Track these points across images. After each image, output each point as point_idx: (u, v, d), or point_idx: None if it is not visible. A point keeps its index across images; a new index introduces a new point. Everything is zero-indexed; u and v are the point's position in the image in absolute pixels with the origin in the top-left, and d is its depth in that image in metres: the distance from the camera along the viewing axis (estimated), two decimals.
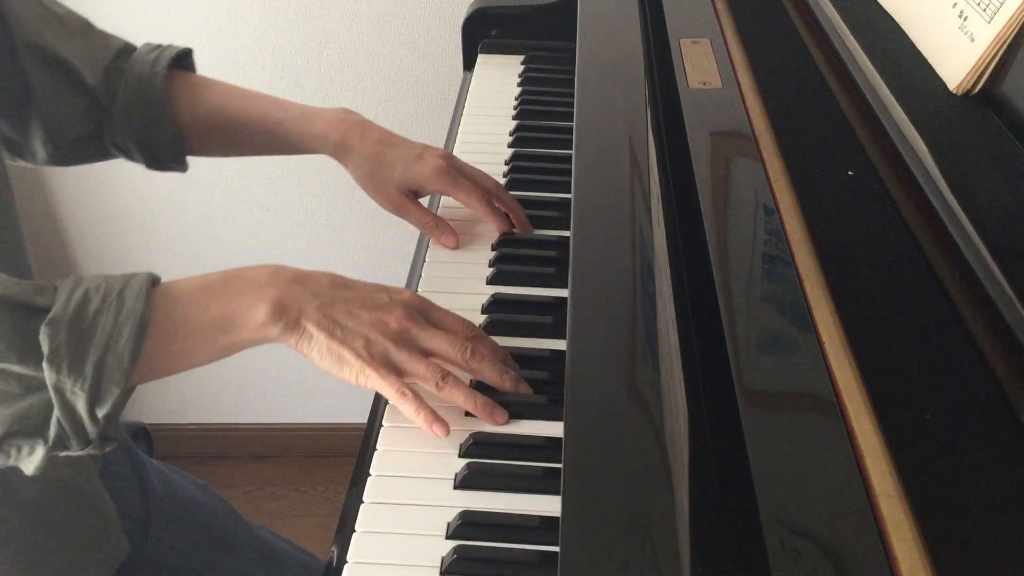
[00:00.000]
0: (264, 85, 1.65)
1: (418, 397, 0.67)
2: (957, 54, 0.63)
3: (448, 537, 0.61)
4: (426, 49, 1.63)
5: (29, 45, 0.81)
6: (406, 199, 0.89)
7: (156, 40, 0.92)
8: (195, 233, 1.79)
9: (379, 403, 0.73)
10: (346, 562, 0.60)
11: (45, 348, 0.58)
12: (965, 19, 0.63)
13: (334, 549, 0.62)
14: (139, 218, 1.77)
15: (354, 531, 0.62)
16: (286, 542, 1.04)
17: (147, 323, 0.62)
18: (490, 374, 0.69)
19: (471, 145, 1.07)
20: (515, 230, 0.91)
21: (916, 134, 0.61)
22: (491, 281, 0.85)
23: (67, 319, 0.59)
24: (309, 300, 0.66)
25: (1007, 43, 0.59)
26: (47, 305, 0.60)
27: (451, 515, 0.62)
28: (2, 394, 0.59)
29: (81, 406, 0.60)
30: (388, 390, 0.67)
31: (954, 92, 0.63)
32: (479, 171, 0.92)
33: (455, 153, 1.05)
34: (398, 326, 0.68)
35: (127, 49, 0.90)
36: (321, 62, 1.64)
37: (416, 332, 0.68)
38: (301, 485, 1.96)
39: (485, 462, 0.66)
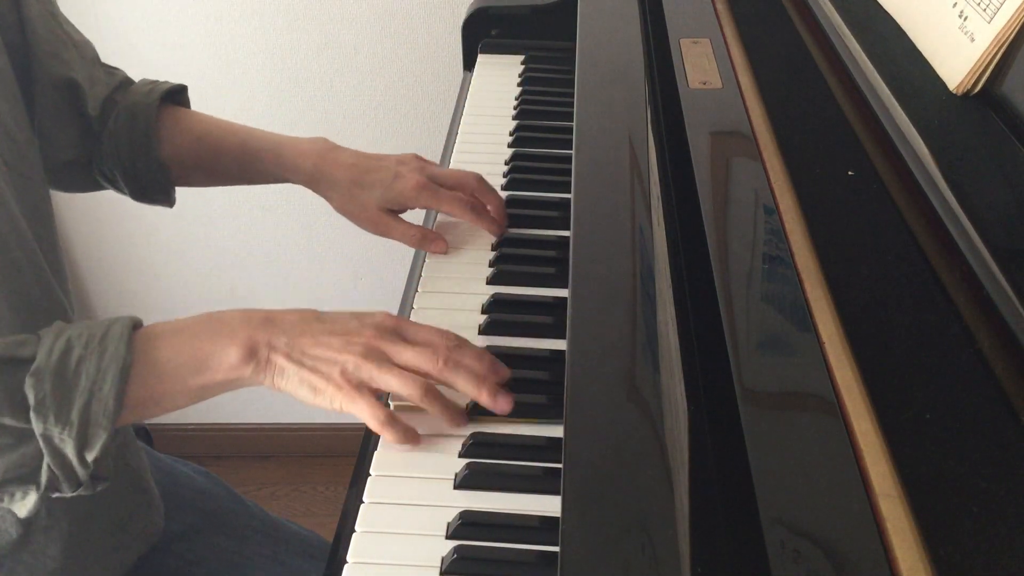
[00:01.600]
0: (264, 85, 1.65)
1: (392, 417, 0.66)
2: (957, 54, 0.63)
3: (448, 537, 0.61)
4: (426, 49, 1.63)
5: (45, 65, 0.82)
6: (388, 218, 0.89)
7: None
8: (195, 233, 1.79)
9: None
10: (346, 562, 0.60)
11: (31, 399, 0.60)
12: (965, 19, 0.63)
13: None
14: (139, 218, 1.77)
15: (354, 531, 0.62)
16: (287, 522, 1.05)
17: (129, 367, 0.63)
18: (464, 385, 0.68)
19: (471, 145, 1.07)
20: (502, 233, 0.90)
21: (916, 134, 0.61)
22: (491, 281, 0.85)
23: (51, 369, 0.61)
24: (278, 336, 0.67)
25: (1007, 43, 0.59)
26: (31, 356, 0.62)
27: (451, 515, 0.62)
28: None
29: (70, 452, 0.62)
30: (363, 414, 0.67)
31: (954, 92, 0.63)
32: (456, 173, 0.92)
33: (455, 154, 1.05)
34: (367, 346, 0.68)
35: (127, 83, 0.92)
36: (321, 62, 1.64)
37: (387, 349, 0.68)
38: (301, 485, 1.96)
39: (485, 462, 0.66)
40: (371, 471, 0.66)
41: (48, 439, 0.61)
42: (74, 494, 0.64)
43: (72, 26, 0.88)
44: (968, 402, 0.49)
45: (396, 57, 1.64)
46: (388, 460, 0.68)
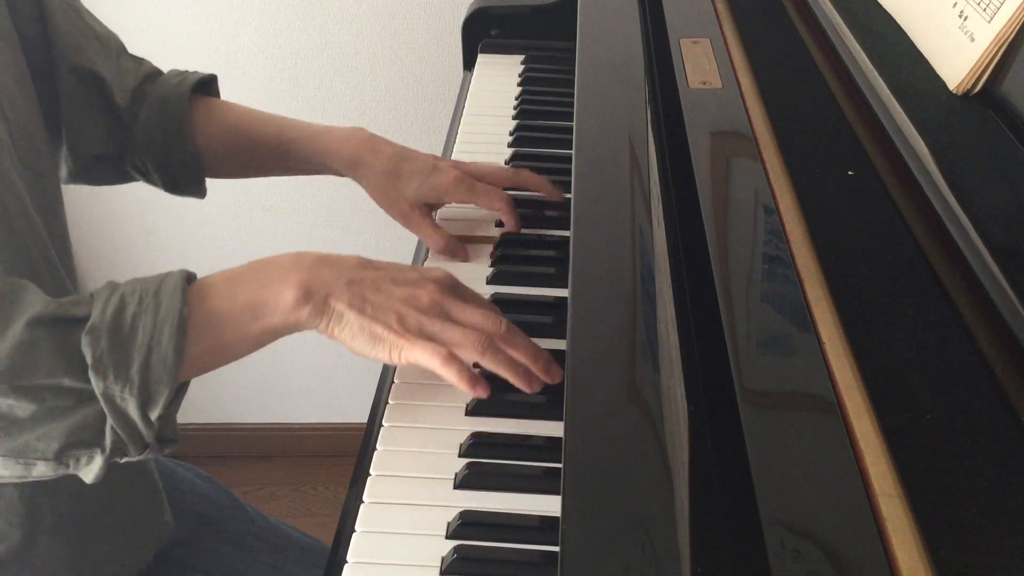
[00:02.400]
0: (264, 85, 1.65)
1: (462, 363, 0.65)
2: (957, 54, 0.63)
3: (448, 537, 0.61)
4: (426, 49, 1.63)
5: (67, 59, 0.82)
6: (420, 214, 0.89)
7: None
8: (195, 233, 1.79)
9: (379, 403, 0.73)
10: (346, 562, 0.60)
11: (88, 357, 0.59)
12: (965, 19, 0.63)
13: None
14: (139, 218, 1.77)
15: (354, 531, 0.62)
16: (288, 527, 1.05)
17: (186, 320, 0.62)
18: (524, 352, 0.67)
19: (471, 145, 1.07)
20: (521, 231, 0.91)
21: (916, 134, 0.61)
22: (491, 281, 0.85)
23: (106, 326, 0.60)
24: (336, 280, 0.66)
25: (1007, 43, 0.59)
26: (85, 315, 0.60)
27: (451, 515, 0.62)
28: (56, 408, 0.59)
29: (133, 411, 0.60)
30: (429, 357, 0.65)
31: (954, 92, 0.63)
32: (491, 167, 0.92)
33: (455, 153, 1.05)
34: (430, 299, 0.67)
35: (155, 73, 0.92)
36: (321, 62, 1.64)
37: (449, 305, 0.67)
38: (301, 485, 1.96)
39: (485, 462, 0.66)
40: (371, 471, 0.66)
41: (109, 398, 0.59)
42: (141, 457, 0.63)
43: (95, 19, 0.88)
44: (968, 402, 0.49)
45: (396, 57, 1.64)
46: (388, 460, 0.68)
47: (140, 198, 1.74)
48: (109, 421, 0.60)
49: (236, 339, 0.65)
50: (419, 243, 0.93)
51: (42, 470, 0.61)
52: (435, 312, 0.66)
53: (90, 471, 0.62)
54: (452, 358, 0.65)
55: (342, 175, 0.93)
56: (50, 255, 0.74)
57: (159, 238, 1.80)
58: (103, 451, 0.61)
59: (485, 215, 0.93)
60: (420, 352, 0.65)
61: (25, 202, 0.71)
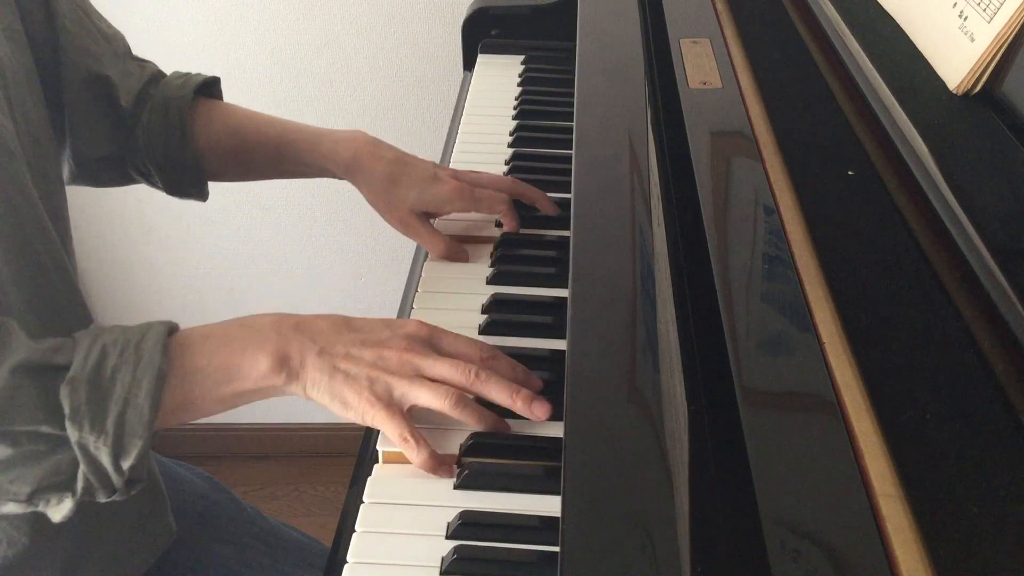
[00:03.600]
0: (264, 86, 1.65)
1: (420, 441, 0.65)
2: (957, 54, 0.63)
3: (448, 537, 0.61)
4: (426, 49, 1.63)
5: (74, 61, 0.82)
6: (418, 221, 0.89)
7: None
8: (195, 233, 1.79)
9: None
10: (346, 562, 0.60)
11: (66, 407, 0.60)
12: (965, 19, 0.63)
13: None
14: (139, 218, 1.77)
15: (354, 531, 0.62)
16: (288, 528, 1.04)
17: (165, 375, 0.63)
18: (498, 395, 0.67)
19: (471, 145, 1.07)
20: (521, 230, 0.90)
21: (916, 134, 0.61)
22: (491, 281, 0.85)
23: (86, 377, 0.61)
24: (309, 347, 0.67)
25: (1007, 43, 0.59)
26: (66, 363, 0.61)
27: (451, 515, 0.62)
28: (32, 452, 0.61)
29: (105, 460, 0.61)
30: (392, 432, 0.66)
31: (954, 92, 0.63)
32: (491, 176, 0.92)
33: (455, 153, 1.05)
34: (399, 359, 0.67)
35: (159, 75, 0.92)
36: (321, 63, 1.64)
37: (419, 362, 0.67)
38: (301, 485, 1.96)
39: (485, 462, 0.66)
40: (371, 471, 0.66)
41: (84, 447, 0.61)
42: (109, 499, 0.64)
43: (103, 19, 0.88)
44: (968, 402, 0.49)
45: (396, 57, 1.64)
46: (388, 460, 0.67)
47: (140, 198, 1.74)
48: (81, 468, 0.62)
49: (208, 397, 0.66)
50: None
51: (11, 508, 0.63)
52: (404, 371, 0.67)
53: (59, 511, 0.64)
54: (408, 441, 0.65)
55: (341, 179, 0.92)
56: (60, 258, 0.74)
57: (159, 238, 1.80)
58: (73, 494, 0.63)
59: (485, 216, 0.93)
60: (383, 424, 0.66)
61: (38, 207, 0.71)
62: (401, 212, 0.89)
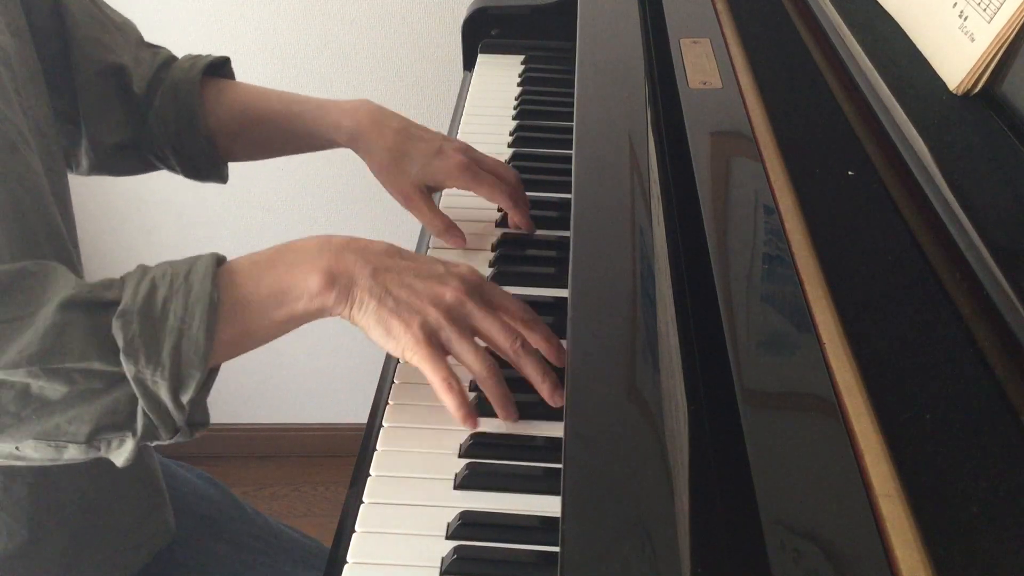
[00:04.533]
0: (264, 85, 1.65)
1: (463, 391, 0.65)
2: (957, 54, 0.63)
3: (448, 537, 0.61)
4: (426, 49, 1.63)
5: (86, 52, 0.82)
6: (420, 196, 0.88)
7: (155, 40, 0.93)
8: (195, 233, 1.79)
9: (379, 403, 0.73)
10: (346, 562, 0.60)
11: (120, 340, 0.59)
12: (965, 19, 0.63)
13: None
14: (139, 218, 1.77)
15: (354, 531, 0.62)
16: (288, 528, 1.05)
17: (217, 304, 0.61)
18: (532, 371, 0.67)
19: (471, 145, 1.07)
20: (521, 230, 0.90)
21: (916, 134, 0.61)
22: (491, 281, 0.85)
23: (137, 309, 0.60)
24: (362, 267, 0.65)
25: (1007, 43, 0.59)
26: (116, 299, 0.60)
27: (451, 515, 0.62)
28: (88, 391, 0.59)
29: (164, 394, 0.60)
30: (434, 376, 0.65)
31: (954, 92, 0.63)
32: (498, 162, 0.91)
33: None
34: (453, 299, 0.66)
35: (170, 60, 0.91)
36: (321, 62, 1.64)
37: (470, 308, 0.66)
38: (301, 485, 1.96)
39: (485, 462, 0.66)
40: (371, 471, 0.67)
41: (141, 381, 0.59)
42: (172, 440, 0.63)
43: (112, 8, 0.88)
44: (968, 402, 0.49)
45: (396, 57, 1.64)
46: (388, 460, 0.68)
47: (140, 198, 1.74)
48: (140, 404, 0.60)
49: (262, 324, 0.65)
50: (419, 244, 0.92)
51: (73, 453, 0.61)
52: (454, 315, 0.66)
53: (121, 454, 0.62)
54: (451, 386, 0.65)
55: (346, 147, 0.91)
56: (67, 254, 0.74)
57: (159, 238, 1.80)
58: (134, 434, 0.61)
59: (485, 216, 0.93)
60: (425, 365, 0.65)
61: (47, 203, 0.71)
62: (403, 185, 0.87)
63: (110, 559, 0.83)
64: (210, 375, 0.62)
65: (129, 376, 0.59)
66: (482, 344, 0.68)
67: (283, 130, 0.92)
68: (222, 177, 0.95)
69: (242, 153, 0.96)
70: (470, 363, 0.66)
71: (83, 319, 0.59)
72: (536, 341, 0.69)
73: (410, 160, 0.87)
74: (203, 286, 0.61)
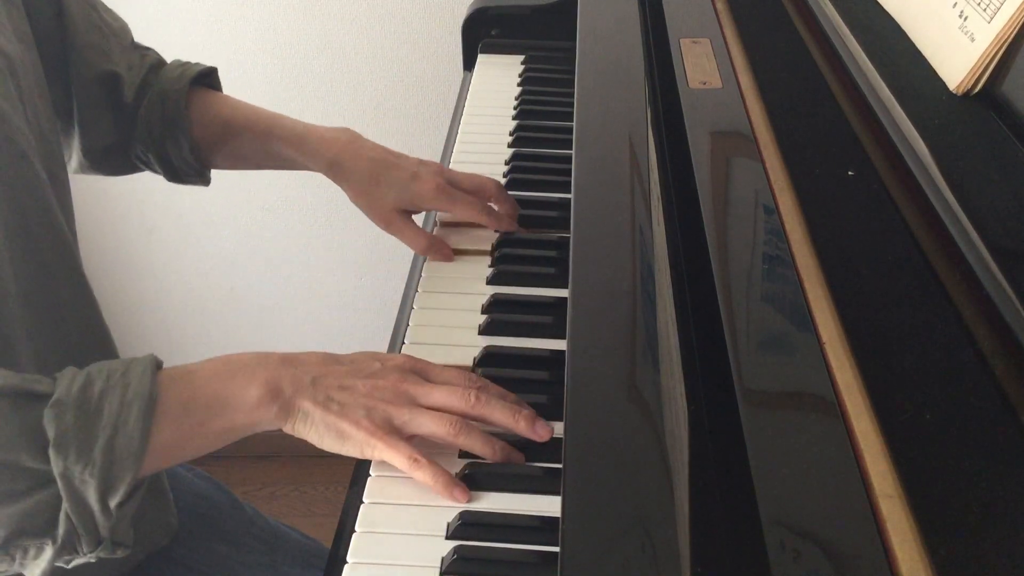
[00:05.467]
0: (264, 85, 1.65)
1: (432, 463, 0.64)
2: (957, 54, 0.63)
3: (448, 537, 0.61)
4: (426, 49, 1.63)
5: (85, 58, 0.83)
6: (400, 218, 0.89)
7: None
8: (195, 233, 1.79)
9: None
10: (346, 562, 0.60)
11: (51, 432, 0.56)
12: (965, 19, 0.63)
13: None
14: (139, 218, 1.77)
15: (354, 531, 0.62)
16: (288, 528, 1.05)
17: (155, 402, 0.60)
18: (501, 416, 0.65)
19: (471, 145, 1.07)
20: (515, 232, 0.90)
21: (916, 134, 0.61)
22: (491, 281, 0.85)
23: (72, 400, 0.58)
24: (300, 378, 0.64)
25: (1007, 43, 0.59)
26: (48, 391, 0.58)
27: (451, 515, 0.62)
28: (8, 492, 0.57)
29: (91, 495, 0.57)
30: (398, 459, 0.64)
31: (954, 92, 0.63)
32: (474, 177, 0.91)
33: (455, 154, 1.05)
34: (395, 389, 0.65)
35: (159, 64, 0.92)
36: (321, 62, 1.64)
37: (415, 391, 0.66)
38: (301, 485, 1.96)
39: (485, 462, 0.66)
40: (371, 471, 0.66)
41: (68, 479, 0.56)
42: (91, 554, 0.60)
43: (109, 11, 0.89)
44: (968, 402, 0.49)
45: (396, 57, 1.64)
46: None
47: (140, 198, 1.74)
48: (64, 507, 0.57)
49: (198, 432, 0.63)
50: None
51: None
52: (401, 401, 0.65)
53: (37, 565, 0.59)
54: (419, 462, 0.63)
55: (324, 174, 0.93)
56: (71, 259, 0.74)
57: (159, 238, 1.80)
58: (54, 542, 0.58)
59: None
60: (389, 451, 0.64)
61: (51, 206, 0.71)
62: (383, 210, 0.89)
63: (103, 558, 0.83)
64: (135, 491, 0.60)
65: (56, 472, 0.56)
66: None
67: (262, 149, 0.93)
68: (204, 181, 0.96)
69: (223, 164, 0.97)
70: (434, 430, 0.64)
71: (13, 408, 0.56)
72: (497, 398, 0.67)
73: (387, 186, 0.89)
74: (141, 383, 0.60)
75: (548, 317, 0.79)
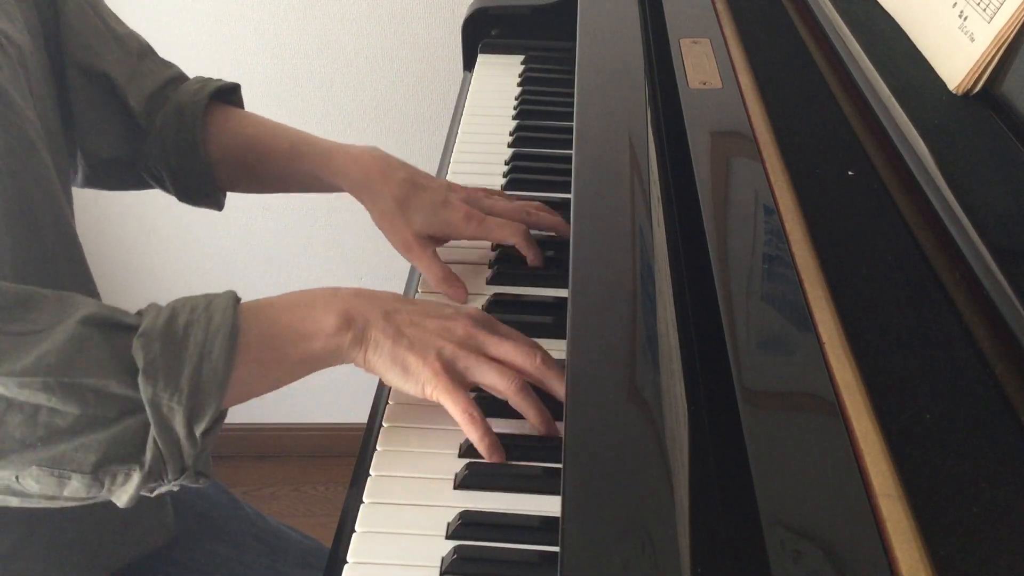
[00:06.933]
0: (264, 85, 1.65)
1: (484, 421, 0.65)
2: (957, 54, 0.63)
3: (448, 537, 0.61)
4: (426, 49, 1.63)
5: (75, 56, 0.82)
6: (420, 245, 0.85)
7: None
8: (195, 233, 1.79)
9: (379, 403, 0.73)
10: (346, 562, 0.60)
11: (140, 361, 0.58)
12: (965, 19, 0.63)
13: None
14: (139, 218, 1.77)
15: (354, 531, 0.62)
16: (288, 528, 1.05)
17: (238, 333, 0.61)
18: (559, 385, 0.67)
19: (471, 145, 1.07)
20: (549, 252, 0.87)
21: (916, 134, 0.61)
22: (491, 281, 0.85)
23: (159, 332, 0.59)
24: (374, 310, 0.66)
25: (1007, 43, 0.59)
26: (136, 323, 0.60)
27: (451, 515, 0.62)
28: (98, 418, 0.58)
29: (178, 422, 0.59)
30: (455, 409, 0.65)
31: (954, 92, 0.63)
32: (507, 205, 0.88)
33: (455, 154, 1.05)
34: (464, 332, 0.67)
35: (180, 78, 0.90)
36: (321, 63, 1.64)
37: (484, 339, 0.67)
38: (301, 485, 1.96)
39: (485, 462, 0.66)
40: (371, 471, 0.67)
41: (156, 406, 0.58)
42: (175, 483, 0.61)
43: (116, 19, 0.87)
44: (968, 402, 0.49)
45: (396, 57, 1.64)
46: (388, 460, 0.68)
47: (140, 198, 1.73)
48: (152, 434, 0.59)
49: (278, 361, 0.65)
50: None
51: (75, 486, 0.59)
52: (469, 346, 0.66)
53: (125, 491, 0.60)
54: (473, 417, 0.65)
55: (350, 193, 0.90)
56: (75, 250, 0.74)
57: (159, 238, 1.80)
58: (141, 468, 0.59)
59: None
60: (446, 397, 0.65)
61: (60, 200, 0.71)
62: (406, 235, 0.86)
63: (102, 554, 0.83)
64: (219, 420, 0.61)
65: (145, 399, 0.58)
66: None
67: (285, 169, 0.90)
68: (218, 204, 0.95)
69: (242, 186, 0.95)
70: (495, 382, 0.66)
71: (104, 336, 0.58)
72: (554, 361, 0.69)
73: (415, 212, 0.85)
74: (225, 315, 0.61)
75: (548, 317, 0.79)
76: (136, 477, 0.60)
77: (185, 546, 0.93)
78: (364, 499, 0.64)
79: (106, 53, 0.84)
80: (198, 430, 0.60)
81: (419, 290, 0.84)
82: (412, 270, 0.89)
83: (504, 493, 0.64)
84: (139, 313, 0.62)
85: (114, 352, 0.58)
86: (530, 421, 0.67)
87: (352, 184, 0.89)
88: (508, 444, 0.67)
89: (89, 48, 0.83)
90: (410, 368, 0.65)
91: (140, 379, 0.58)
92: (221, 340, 0.60)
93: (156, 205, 1.75)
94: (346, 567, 0.60)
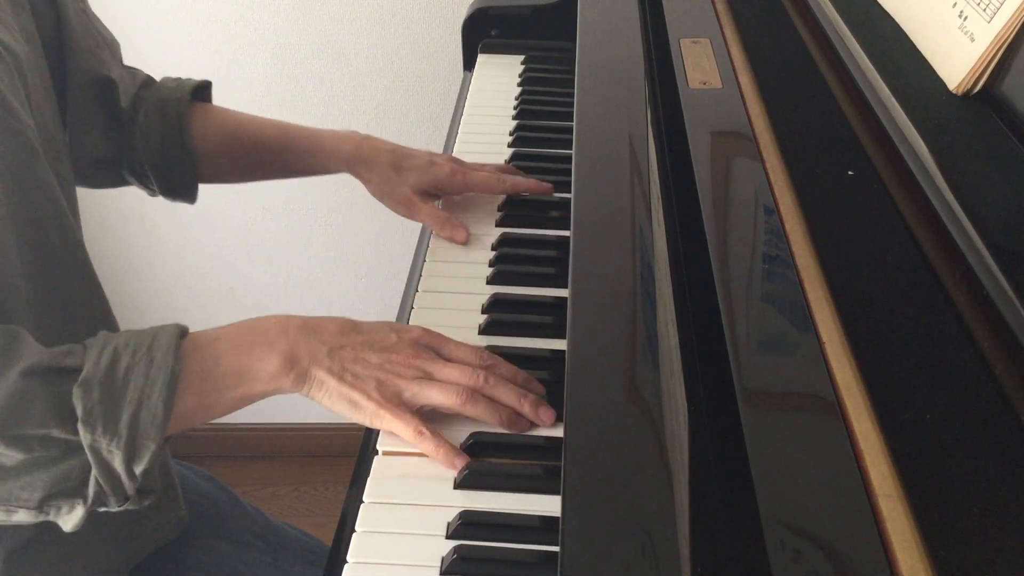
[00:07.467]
0: (264, 85, 1.65)
1: (436, 435, 0.66)
2: (957, 54, 0.63)
3: (448, 537, 0.61)
4: (426, 49, 1.63)
5: (81, 63, 0.83)
6: (420, 200, 0.93)
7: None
8: (195, 233, 1.79)
9: None
10: (346, 562, 0.60)
11: (79, 410, 0.60)
12: (965, 19, 0.63)
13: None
14: (139, 218, 1.77)
15: (354, 531, 0.62)
16: (289, 526, 1.05)
17: (177, 377, 0.63)
18: (506, 398, 0.68)
19: (471, 145, 1.07)
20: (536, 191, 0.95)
21: (916, 134, 0.61)
22: (491, 281, 0.85)
23: (99, 379, 0.61)
24: (318, 348, 0.68)
25: (1007, 43, 0.59)
26: (78, 366, 0.61)
27: (451, 515, 0.62)
28: (43, 458, 0.61)
29: (118, 464, 0.61)
30: (404, 430, 0.66)
31: (954, 92, 0.63)
32: (485, 166, 0.97)
33: (455, 154, 1.05)
34: (407, 363, 0.68)
35: (150, 81, 0.94)
36: (321, 63, 1.64)
37: (426, 367, 0.68)
38: (301, 485, 1.96)
39: (485, 462, 0.66)
40: (371, 471, 0.66)
41: (96, 451, 0.60)
42: (121, 508, 0.64)
43: (102, 24, 0.90)
44: (968, 402, 0.49)
45: (396, 57, 1.64)
46: (388, 460, 0.68)
47: (140, 198, 1.73)
48: (93, 473, 0.61)
49: (218, 400, 0.66)
50: (419, 243, 0.93)
51: (22, 517, 0.62)
52: (412, 374, 0.68)
53: (70, 520, 0.63)
54: (424, 434, 0.66)
55: (342, 172, 0.95)
56: (80, 252, 0.74)
57: (159, 238, 1.80)
58: (84, 501, 0.62)
59: (485, 217, 0.93)
60: (396, 423, 0.67)
61: (63, 207, 0.71)
62: (405, 192, 0.93)
63: (115, 549, 0.83)
64: (163, 446, 0.63)
65: (85, 444, 0.60)
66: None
67: (278, 156, 0.95)
68: (192, 197, 0.98)
69: (227, 177, 0.99)
70: (441, 402, 0.67)
71: (44, 387, 0.60)
72: (507, 376, 0.69)
73: (408, 170, 0.94)
74: (165, 358, 0.63)
75: (548, 317, 0.79)
76: (80, 508, 0.63)
77: (188, 544, 0.93)
78: (364, 499, 0.64)
79: (106, 58, 0.87)
80: (138, 469, 0.62)
81: (419, 289, 0.84)
82: (411, 270, 0.89)
83: (504, 493, 0.64)
84: (84, 346, 0.63)
85: (55, 401, 0.60)
86: (492, 424, 0.68)
87: (347, 160, 0.95)
88: (508, 444, 0.67)
89: (92, 53, 0.85)
90: (357, 403, 0.67)
91: (80, 426, 0.60)
92: (160, 384, 0.62)
93: (157, 205, 1.74)
94: (346, 567, 0.60)
